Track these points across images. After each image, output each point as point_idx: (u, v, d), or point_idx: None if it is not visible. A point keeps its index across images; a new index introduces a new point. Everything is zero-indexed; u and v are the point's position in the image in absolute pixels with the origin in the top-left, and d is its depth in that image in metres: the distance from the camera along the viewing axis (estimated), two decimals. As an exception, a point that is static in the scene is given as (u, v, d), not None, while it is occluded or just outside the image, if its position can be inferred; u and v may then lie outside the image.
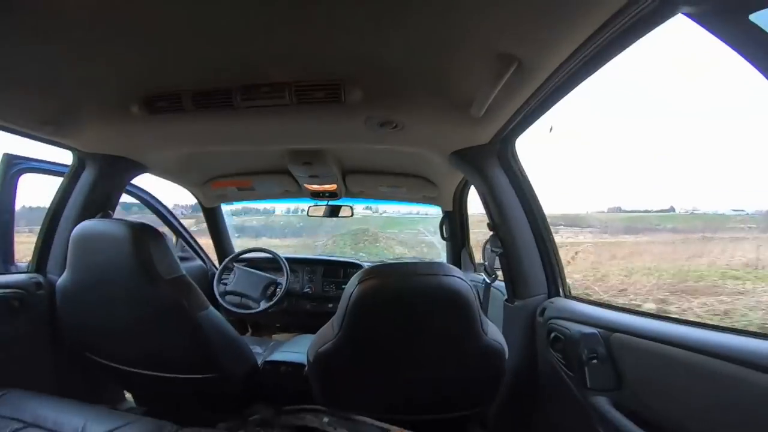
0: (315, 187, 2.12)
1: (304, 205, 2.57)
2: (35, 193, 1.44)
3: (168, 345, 1.18)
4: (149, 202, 2.12)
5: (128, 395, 1.68)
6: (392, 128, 1.18)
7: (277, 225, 4.87)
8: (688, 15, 0.60)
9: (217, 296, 2.18)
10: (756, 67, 0.60)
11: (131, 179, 1.65)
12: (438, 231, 2.43)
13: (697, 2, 0.58)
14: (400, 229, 4.89)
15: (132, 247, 1.07)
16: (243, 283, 2.24)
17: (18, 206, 1.51)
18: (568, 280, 1.28)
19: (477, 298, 0.91)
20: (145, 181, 1.91)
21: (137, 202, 2.09)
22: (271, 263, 2.33)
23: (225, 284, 2.27)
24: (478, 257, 2.15)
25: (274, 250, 2.34)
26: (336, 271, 2.45)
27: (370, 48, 0.82)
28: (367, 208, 4.03)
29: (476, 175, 1.31)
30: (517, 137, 1.22)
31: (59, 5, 0.70)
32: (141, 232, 1.10)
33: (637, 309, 1.07)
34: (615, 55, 0.76)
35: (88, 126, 1.23)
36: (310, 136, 1.34)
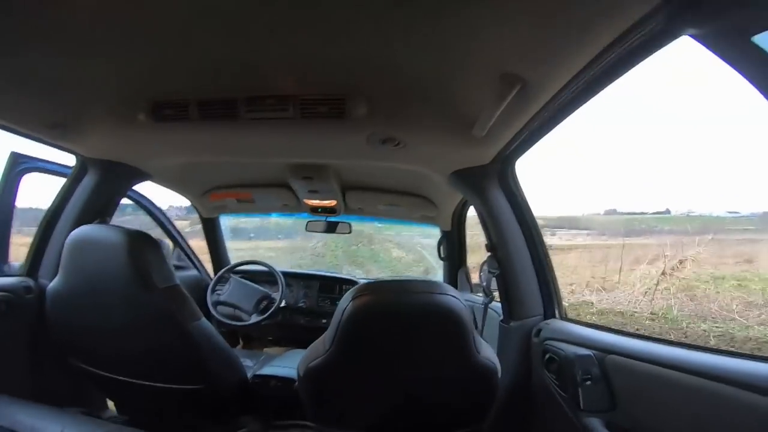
0: (314, 202, 2.12)
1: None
2: (27, 193, 1.43)
3: (157, 354, 1.16)
4: (148, 208, 2.12)
5: (110, 403, 1.64)
6: (394, 146, 1.19)
7: (270, 226, 4.83)
8: (693, 36, 0.61)
9: (210, 306, 2.14)
10: (756, 87, 0.61)
11: (132, 186, 1.66)
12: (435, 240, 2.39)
13: (702, 24, 0.59)
14: (397, 231, 4.80)
15: (128, 254, 1.06)
16: (237, 295, 2.20)
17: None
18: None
19: (472, 318, 0.90)
20: (143, 183, 1.90)
21: (131, 203, 2.07)
22: (267, 276, 2.31)
23: (219, 294, 2.24)
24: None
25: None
26: (332, 286, 2.43)
27: (374, 63, 0.83)
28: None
29: (476, 195, 1.32)
30: (517, 158, 1.23)
31: (69, 10, 0.70)
32: (138, 240, 1.10)
33: (634, 333, 1.07)
34: (620, 75, 0.75)
35: (95, 131, 1.24)
36: (312, 151, 1.36)
